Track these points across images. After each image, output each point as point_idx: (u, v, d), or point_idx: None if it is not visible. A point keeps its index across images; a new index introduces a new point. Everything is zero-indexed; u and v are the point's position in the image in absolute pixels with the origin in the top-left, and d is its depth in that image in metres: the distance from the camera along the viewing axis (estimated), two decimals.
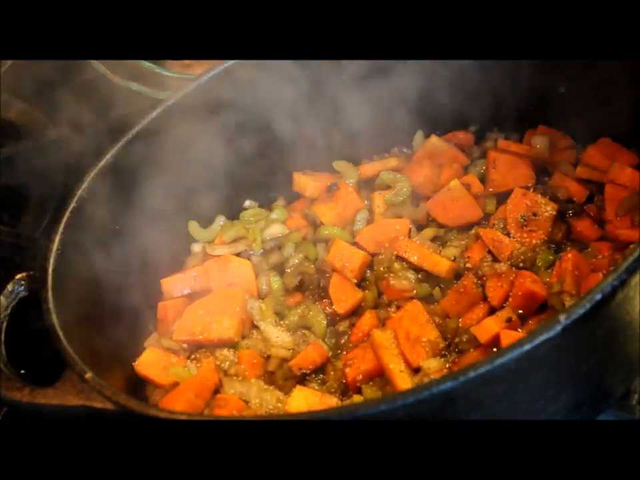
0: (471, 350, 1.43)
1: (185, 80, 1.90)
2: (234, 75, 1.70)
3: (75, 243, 1.50)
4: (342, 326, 1.58)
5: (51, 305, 1.37)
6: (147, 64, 2.04)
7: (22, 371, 1.43)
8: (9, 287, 1.47)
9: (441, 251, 1.59)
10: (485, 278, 1.50)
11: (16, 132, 2.26)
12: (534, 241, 1.55)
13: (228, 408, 1.44)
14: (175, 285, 1.66)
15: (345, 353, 1.52)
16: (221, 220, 1.75)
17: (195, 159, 1.70)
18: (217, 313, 1.57)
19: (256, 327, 1.59)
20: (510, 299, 1.45)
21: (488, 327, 1.41)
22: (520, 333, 1.38)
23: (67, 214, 1.52)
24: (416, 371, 1.42)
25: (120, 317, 1.56)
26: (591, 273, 1.44)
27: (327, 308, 1.61)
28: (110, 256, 1.56)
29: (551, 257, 1.51)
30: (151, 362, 1.55)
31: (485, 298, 1.49)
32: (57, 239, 1.48)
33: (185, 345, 1.57)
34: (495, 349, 1.39)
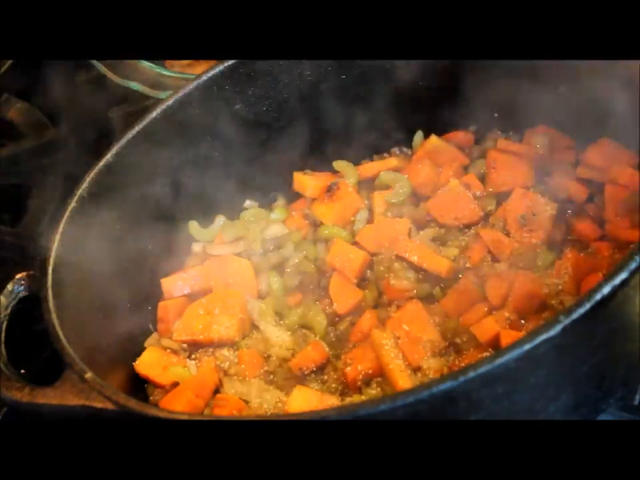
0: (471, 350, 1.43)
1: (184, 80, 1.90)
2: (234, 74, 1.70)
3: (75, 243, 1.50)
4: (342, 326, 1.58)
5: (51, 304, 1.37)
6: (146, 64, 2.04)
7: (22, 371, 1.43)
8: (9, 286, 1.47)
9: (441, 251, 1.59)
10: (485, 278, 1.50)
11: (16, 132, 2.26)
12: (534, 241, 1.55)
13: (228, 408, 1.44)
14: (175, 285, 1.66)
15: (345, 352, 1.52)
16: (220, 220, 1.75)
17: (195, 159, 1.70)
18: (217, 313, 1.57)
19: (256, 327, 1.60)
20: (510, 299, 1.45)
21: (488, 327, 1.41)
22: (520, 333, 1.38)
23: (67, 214, 1.52)
24: (416, 370, 1.42)
25: (120, 317, 1.56)
26: (591, 273, 1.44)
27: (327, 308, 1.61)
28: (110, 256, 1.56)
29: (551, 257, 1.51)
30: (151, 362, 1.55)
31: (485, 298, 1.49)
32: (57, 238, 1.48)
33: (185, 345, 1.58)
34: (495, 349, 1.40)
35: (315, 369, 1.51)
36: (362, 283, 1.62)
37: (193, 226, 1.73)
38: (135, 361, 1.55)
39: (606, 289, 1.06)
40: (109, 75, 2.01)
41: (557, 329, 1.03)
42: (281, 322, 1.60)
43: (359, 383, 1.44)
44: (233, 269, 1.65)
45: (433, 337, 1.45)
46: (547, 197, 1.59)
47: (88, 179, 1.56)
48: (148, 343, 1.61)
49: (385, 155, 1.84)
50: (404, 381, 1.38)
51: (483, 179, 1.70)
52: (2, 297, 1.46)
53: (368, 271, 1.61)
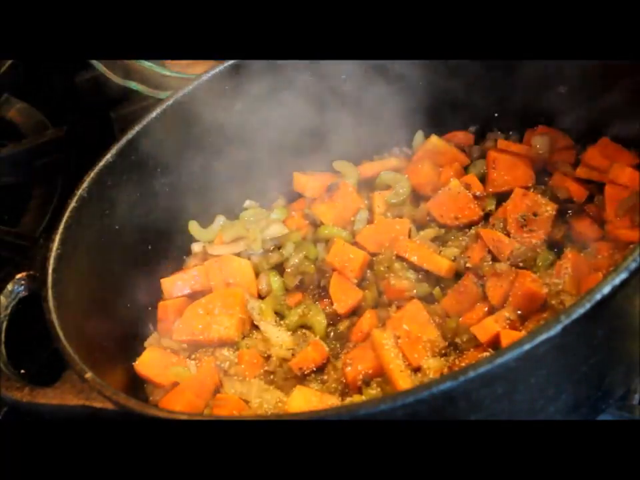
0: (471, 350, 1.43)
1: (184, 80, 1.90)
2: (234, 74, 1.70)
3: (75, 242, 1.49)
4: (342, 326, 1.58)
5: (51, 304, 1.37)
6: (147, 64, 2.04)
7: (22, 371, 1.43)
8: (9, 286, 1.47)
9: (441, 251, 1.59)
10: (485, 278, 1.50)
11: (16, 132, 2.26)
12: (534, 241, 1.55)
13: (228, 408, 1.44)
14: (175, 285, 1.66)
15: (345, 352, 1.52)
16: (220, 220, 1.75)
17: (195, 159, 1.70)
18: (217, 313, 1.57)
19: (256, 327, 1.60)
20: (510, 299, 1.45)
21: (488, 327, 1.41)
22: (520, 333, 1.38)
23: (67, 214, 1.51)
24: (416, 370, 1.42)
25: (120, 317, 1.56)
26: (591, 273, 1.44)
27: (327, 308, 1.61)
28: (110, 256, 1.56)
29: (551, 257, 1.51)
30: (151, 362, 1.55)
31: (485, 298, 1.49)
32: (57, 238, 1.48)
33: (184, 345, 1.57)
34: (495, 349, 1.40)
35: (314, 369, 1.51)
36: (362, 282, 1.61)
37: (193, 226, 1.73)
38: (135, 360, 1.55)
39: (606, 289, 1.05)
40: (109, 75, 2.01)
41: (557, 329, 1.03)
42: (281, 322, 1.60)
43: (359, 382, 1.44)
44: (233, 268, 1.65)
45: (433, 337, 1.45)
46: (547, 197, 1.60)
47: (88, 179, 1.56)
48: (148, 343, 1.61)
49: (385, 154, 1.84)
50: (404, 381, 1.38)
51: (483, 179, 1.71)
52: (2, 297, 1.45)
53: (368, 271, 1.61)
